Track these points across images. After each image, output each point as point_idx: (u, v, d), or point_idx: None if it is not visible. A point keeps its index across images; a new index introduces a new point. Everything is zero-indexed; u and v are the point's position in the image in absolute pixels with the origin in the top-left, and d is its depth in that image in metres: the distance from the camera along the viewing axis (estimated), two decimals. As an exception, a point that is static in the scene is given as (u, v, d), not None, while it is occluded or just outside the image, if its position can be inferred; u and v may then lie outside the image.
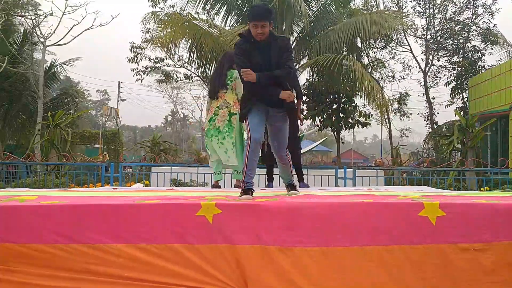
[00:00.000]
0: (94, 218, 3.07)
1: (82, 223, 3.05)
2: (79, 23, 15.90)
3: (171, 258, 3.02)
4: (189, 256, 3.02)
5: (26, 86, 18.28)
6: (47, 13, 16.18)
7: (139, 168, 10.04)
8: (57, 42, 16.41)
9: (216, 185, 6.30)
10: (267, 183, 6.76)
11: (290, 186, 4.22)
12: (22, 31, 18.69)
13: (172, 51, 18.58)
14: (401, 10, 20.12)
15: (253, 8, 4.06)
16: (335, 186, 7.94)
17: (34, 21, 16.57)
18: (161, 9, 19.90)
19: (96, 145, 21.63)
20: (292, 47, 16.53)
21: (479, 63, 20.02)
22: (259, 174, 8.01)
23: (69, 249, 3.01)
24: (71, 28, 15.89)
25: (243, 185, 3.77)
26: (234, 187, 6.23)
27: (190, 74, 21.20)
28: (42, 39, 16.19)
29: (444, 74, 20.98)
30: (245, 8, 16.72)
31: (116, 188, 6.01)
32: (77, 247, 3.02)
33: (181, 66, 20.92)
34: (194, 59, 16.98)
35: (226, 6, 16.55)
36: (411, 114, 23.34)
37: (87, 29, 16.32)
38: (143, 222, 3.07)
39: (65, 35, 16.02)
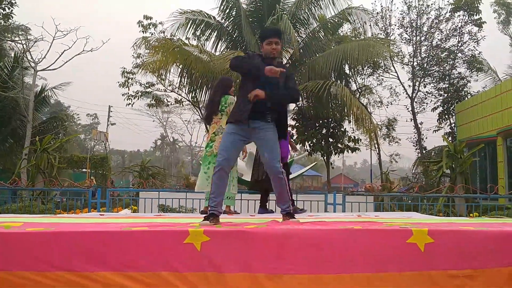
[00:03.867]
0: (80, 246, 3.02)
1: (68, 250, 3.01)
2: (69, 48, 15.95)
3: (159, 286, 2.97)
4: (176, 284, 2.98)
5: (16, 111, 18.20)
6: (37, 38, 16.20)
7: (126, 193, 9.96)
8: (48, 67, 16.42)
9: (205, 211, 6.26)
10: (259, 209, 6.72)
11: (288, 215, 4.06)
12: (12, 55, 18.71)
13: (163, 76, 18.70)
14: (388, 38, 20.45)
15: (266, 28, 4.35)
16: (325, 212, 7.93)
17: (24, 45, 16.58)
18: (152, 34, 20.09)
19: (84, 170, 21.45)
20: (282, 73, 16.80)
21: (465, 90, 20.31)
22: (248, 200, 8.00)
23: (54, 277, 2.96)
24: (62, 53, 15.94)
25: (208, 208, 3.87)
26: (224, 213, 6.21)
27: (181, 99, 21.27)
28: (33, 64, 16.19)
29: (431, 100, 21.24)
30: (235, 34, 16.93)
31: (103, 214, 5.96)
32: (63, 274, 2.96)
33: (171, 91, 21.00)
34: (184, 84, 17.08)
35: (216, 32, 16.73)
36: (400, 139, 23.51)
37: (78, 54, 16.35)
38: (130, 249, 3.03)
39: (56, 60, 16.06)
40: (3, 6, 17.42)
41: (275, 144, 4.05)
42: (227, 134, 4.04)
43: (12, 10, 17.61)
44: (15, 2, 17.64)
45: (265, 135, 4.00)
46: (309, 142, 18.01)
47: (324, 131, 17.95)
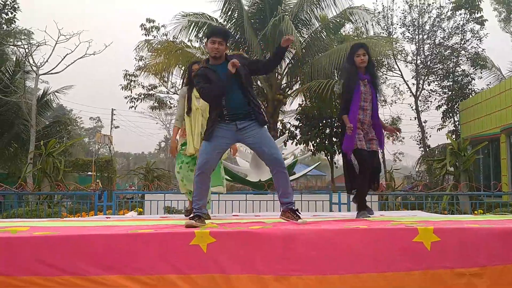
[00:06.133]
0: (87, 249, 3.03)
1: (75, 254, 3.01)
2: (72, 51, 15.98)
3: (165, 289, 2.98)
4: (183, 286, 2.97)
5: (19, 115, 18.23)
6: (40, 42, 16.22)
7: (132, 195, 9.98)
8: (50, 71, 16.46)
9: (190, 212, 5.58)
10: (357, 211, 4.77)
11: (292, 211, 3.92)
12: (14, 59, 18.74)
13: (165, 78, 18.73)
14: (391, 36, 20.43)
15: (212, 27, 4.31)
16: (330, 211, 7.94)
17: (26, 50, 16.63)
18: (154, 37, 20.17)
19: (89, 173, 21.51)
20: (284, 73, 16.83)
21: (469, 87, 20.27)
22: (253, 201, 8.00)
23: (61, 281, 2.96)
24: (64, 57, 15.96)
25: (193, 211, 3.86)
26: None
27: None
28: (35, 68, 16.23)
29: (435, 98, 21.22)
30: (238, 36, 16.95)
31: (109, 217, 5.98)
32: (70, 279, 2.97)
33: (174, 93, 21.03)
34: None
35: (218, 33, 16.74)
36: (403, 138, 23.49)
37: (80, 57, 16.38)
38: (137, 252, 3.03)
39: (58, 63, 16.08)
40: (5, 10, 17.49)
41: (270, 138, 4.05)
42: (211, 135, 3.97)
43: (15, 15, 17.68)
44: (18, 7, 17.71)
45: (257, 131, 3.97)
46: (313, 142, 18.02)
47: (327, 130, 17.96)
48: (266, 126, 4.09)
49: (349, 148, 4.51)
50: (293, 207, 3.99)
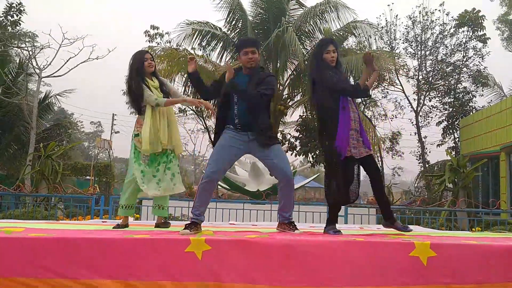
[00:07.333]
0: (81, 252, 3.01)
1: (70, 257, 2.99)
2: (75, 55, 16.03)
3: (159, 295, 2.95)
4: (177, 293, 2.95)
5: (20, 117, 18.23)
6: (44, 45, 16.27)
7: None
8: (52, 74, 16.49)
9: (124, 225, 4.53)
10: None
11: (290, 224, 4.01)
12: (18, 61, 18.79)
13: (167, 85, 18.71)
14: (393, 51, 20.51)
15: (241, 38, 4.32)
16: (327, 223, 7.90)
17: (30, 52, 16.68)
18: (158, 44, 20.26)
19: (88, 177, 21.47)
20: (286, 84, 16.86)
21: (470, 104, 20.32)
22: (250, 210, 7.98)
23: (55, 284, 2.94)
24: (67, 60, 16.01)
25: (190, 217, 3.85)
26: (156, 227, 4.59)
27: (184, 108, 21.35)
28: (37, 70, 16.26)
29: (436, 114, 21.26)
30: (241, 45, 16.98)
31: (106, 222, 5.96)
32: (64, 281, 2.95)
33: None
34: (189, 94, 17.13)
35: (222, 42, 16.81)
36: (403, 153, 23.47)
37: (84, 61, 16.43)
38: (131, 257, 3.01)
39: (61, 67, 16.11)
40: (11, 13, 17.57)
41: (281, 150, 4.04)
42: (222, 144, 3.90)
43: (20, 17, 17.75)
44: (24, 10, 17.79)
45: (266, 145, 3.93)
46: (312, 154, 17.97)
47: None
48: None
49: (343, 149, 3.88)
50: (291, 220, 4.03)
